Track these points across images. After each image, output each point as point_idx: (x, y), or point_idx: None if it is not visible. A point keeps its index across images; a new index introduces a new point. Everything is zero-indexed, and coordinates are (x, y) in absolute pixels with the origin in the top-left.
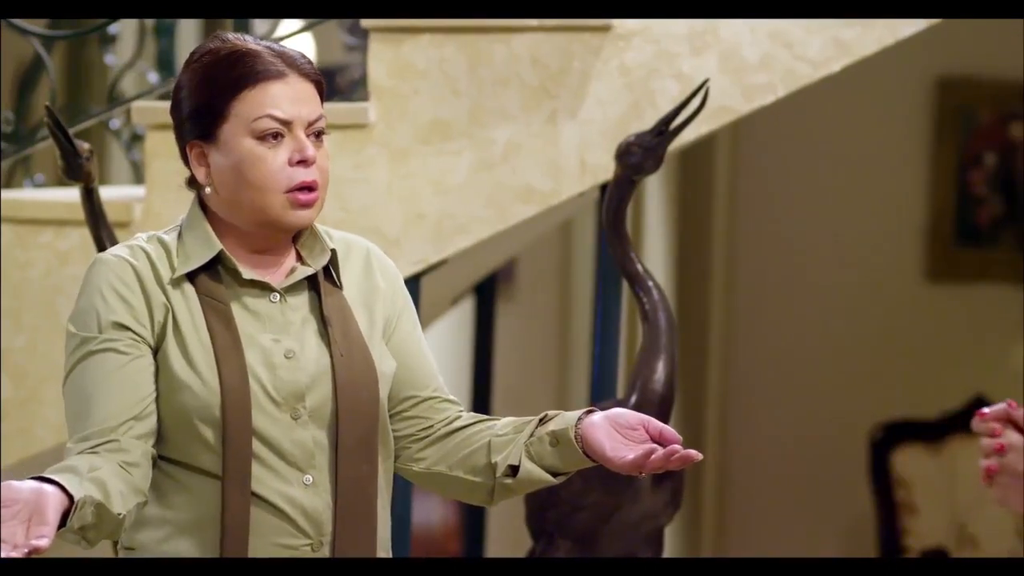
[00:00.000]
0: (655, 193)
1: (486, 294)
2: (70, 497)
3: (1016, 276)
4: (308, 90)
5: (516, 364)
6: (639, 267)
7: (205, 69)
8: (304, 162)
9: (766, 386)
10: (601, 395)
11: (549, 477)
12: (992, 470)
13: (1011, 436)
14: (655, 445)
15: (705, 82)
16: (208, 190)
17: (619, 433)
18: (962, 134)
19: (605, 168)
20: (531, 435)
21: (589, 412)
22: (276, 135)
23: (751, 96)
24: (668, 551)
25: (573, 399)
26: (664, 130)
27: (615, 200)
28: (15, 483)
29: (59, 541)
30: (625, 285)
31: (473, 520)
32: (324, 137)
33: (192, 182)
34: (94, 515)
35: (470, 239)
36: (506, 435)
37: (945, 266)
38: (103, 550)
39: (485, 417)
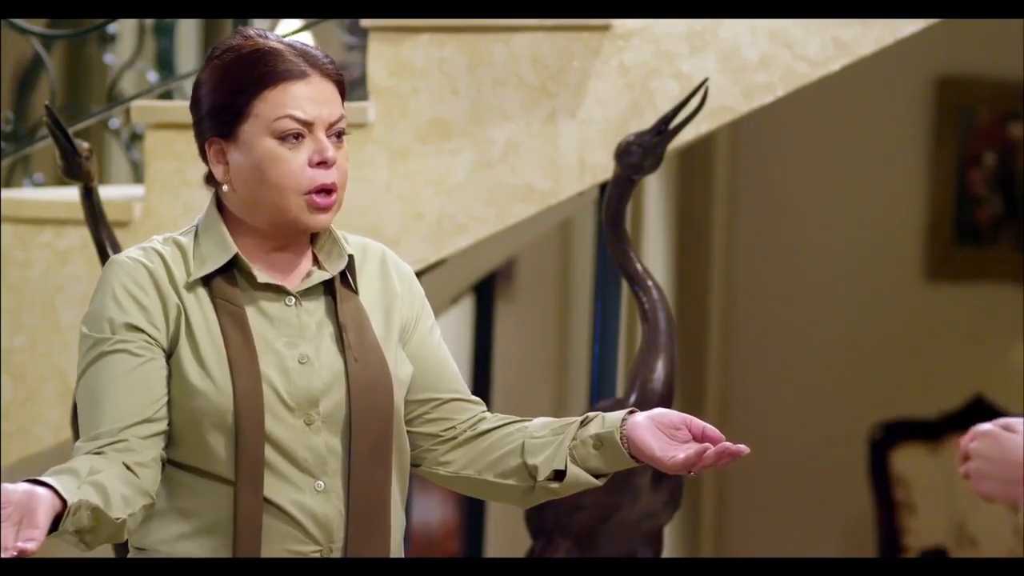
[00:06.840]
0: (655, 193)
1: (485, 294)
2: (64, 501)
3: (1016, 276)
4: (330, 90)
5: (515, 364)
6: (638, 266)
7: (226, 67)
8: (324, 163)
9: (766, 386)
10: (601, 395)
11: (593, 480)
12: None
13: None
14: (706, 444)
15: (704, 81)
16: (226, 188)
17: (664, 433)
18: (961, 134)
19: (604, 167)
20: (573, 438)
21: (631, 413)
22: (297, 135)
23: (751, 96)
24: (668, 551)
25: (573, 399)
26: (663, 129)
27: (614, 199)
28: (8, 486)
29: (60, 543)
30: (625, 285)
31: (472, 520)
32: (344, 138)
33: (210, 179)
34: (91, 519)
35: (469, 239)
36: (543, 438)
37: (945, 266)
38: (105, 550)
39: (514, 418)
